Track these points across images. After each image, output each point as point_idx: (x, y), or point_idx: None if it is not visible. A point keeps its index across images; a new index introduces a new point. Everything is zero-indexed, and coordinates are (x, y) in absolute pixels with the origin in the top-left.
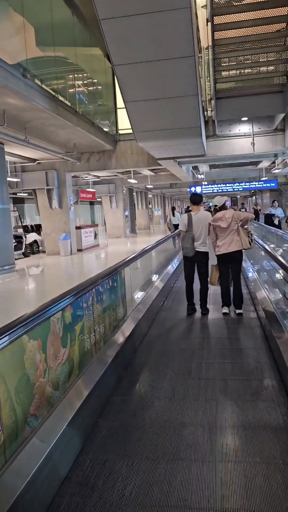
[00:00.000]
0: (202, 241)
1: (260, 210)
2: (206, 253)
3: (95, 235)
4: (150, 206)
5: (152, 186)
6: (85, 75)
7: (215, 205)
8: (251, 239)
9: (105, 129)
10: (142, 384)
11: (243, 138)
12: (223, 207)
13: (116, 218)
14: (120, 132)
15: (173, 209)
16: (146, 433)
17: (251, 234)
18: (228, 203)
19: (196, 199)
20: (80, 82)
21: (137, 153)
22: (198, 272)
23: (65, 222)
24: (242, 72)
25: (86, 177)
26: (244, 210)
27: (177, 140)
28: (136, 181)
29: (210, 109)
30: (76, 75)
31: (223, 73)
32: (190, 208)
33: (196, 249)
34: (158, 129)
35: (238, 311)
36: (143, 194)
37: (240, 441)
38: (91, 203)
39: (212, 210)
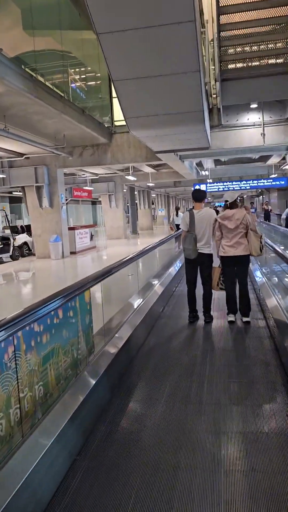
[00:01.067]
0: (205, 242)
1: (271, 210)
2: (210, 255)
3: (91, 236)
4: (154, 206)
5: (153, 184)
6: (72, 56)
7: (226, 200)
8: (262, 245)
9: (99, 120)
10: (133, 411)
11: (252, 128)
12: (234, 204)
13: (116, 218)
14: (116, 123)
15: (177, 209)
16: (133, 478)
17: (263, 239)
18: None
19: (199, 195)
20: (67, 65)
21: (135, 146)
22: (201, 276)
23: (56, 222)
24: (251, 47)
25: (83, 174)
26: (253, 210)
27: (177, 128)
28: (135, 178)
29: (215, 94)
30: (62, 55)
31: (229, 50)
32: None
33: (199, 251)
34: (152, 114)
35: (245, 319)
36: (146, 193)
37: (249, 489)
38: (93, 203)
39: (218, 208)
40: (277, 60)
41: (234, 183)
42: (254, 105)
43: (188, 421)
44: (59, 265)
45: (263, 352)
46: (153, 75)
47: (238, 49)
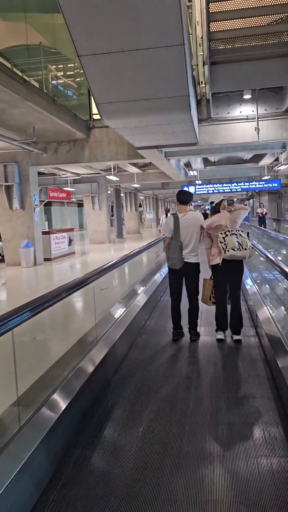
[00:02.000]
0: (191, 249)
1: (266, 214)
2: (197, 265)
3: (70, 241)
4: (141, 208)
5: (139, 186)
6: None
7: (212, 202)
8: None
9: (76, 112)
10: (94, 469)
11: (245, 122)
12: (219, 205)
13: (99, 222)
14: (95, 117)
15: (167, 211)
16: None
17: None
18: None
19: (184, 197)
20: (30, 44)
21: (116, 142)
22: (187, 288)
23: (28, 226)
24: (245, 23)
25: (64, 174)
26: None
27: (159, 117)
28: (117, 178)
29: (203, 83)
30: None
31: (219, 27)
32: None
33: (184, 260)
34: (129, 99)
35: (236, 337)
36: (132, 195)
37: None
38: (79, 205)
39: (208, 211)
40: (274, 40)
41: (224, 185)
42: (247, 96)
43: (164, 484)
44: (29, 274)
45: (257, 382)
46: (128, 49)
47: (230, 26)
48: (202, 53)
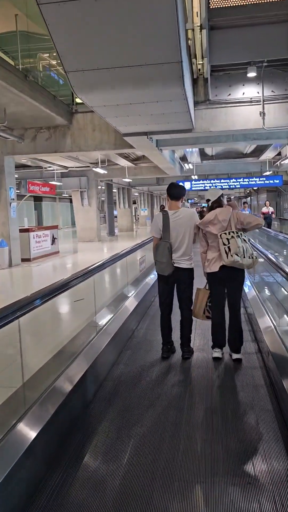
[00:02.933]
0: (183, 253)
1: (272, 213)
2: (191, 270)
3: (53, 240)
4: (135, 205)
5: (131, 181)
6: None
7: (207, 199)
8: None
9: (57, 95)
10: None
11: (249, 105)
12: (218, 203)
13: (88, 218)
14: (78, 100)
15: (161, 207)
16: None
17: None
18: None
19: (175, 191)
20: None
21: (101, 129)
22: (178, 298)
23: (3, 223)
24: None
25: (50, 167)
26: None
27: (144, 91)
28: (105, 171)
29: (201, 56)
30: None
31: None
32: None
33: (175, 265)
34: (106, 67)
35: (235, 356)
36: (126, 191)
37: None
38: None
39: (205, 208)
40: None
41: (222, 181)
42: (252, 73)
43: None
44: (2, 276)
45: (262, 414)
46: None
47: None
48: (198, 14)
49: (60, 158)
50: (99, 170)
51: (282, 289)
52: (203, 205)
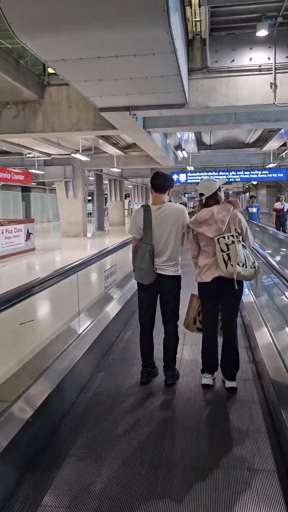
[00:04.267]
0: (169, 257)
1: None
2: (177, 278)
3: (28, 235)
4: (129, 198)
5: (119, 170)
6: None
7: (201, 194)
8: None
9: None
10: None
11: (257, 74)
12: (214, 199)
13: (73, 211)
14: (51, 70)
15: None
16: None
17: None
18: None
19: (159, 182)
20: None
21: (78, 106)
22: (162, 311)
23: None
24: None
25: (29, 153)
26: (255, 208)
27: (112, 33)
28: (87, 158)
29: (198, 7)
30: None
31: None
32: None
33: (158, 271)
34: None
35: (229, 384)
36: (118, 183)
37: None
38: None
39: (196, 205)
40: None
41: (221, 173)
42: (262, 32)
43: None
44: None
45: (263, 481)
46: None
47: None
48: None
49: (39, 142)
50: (79, 157)
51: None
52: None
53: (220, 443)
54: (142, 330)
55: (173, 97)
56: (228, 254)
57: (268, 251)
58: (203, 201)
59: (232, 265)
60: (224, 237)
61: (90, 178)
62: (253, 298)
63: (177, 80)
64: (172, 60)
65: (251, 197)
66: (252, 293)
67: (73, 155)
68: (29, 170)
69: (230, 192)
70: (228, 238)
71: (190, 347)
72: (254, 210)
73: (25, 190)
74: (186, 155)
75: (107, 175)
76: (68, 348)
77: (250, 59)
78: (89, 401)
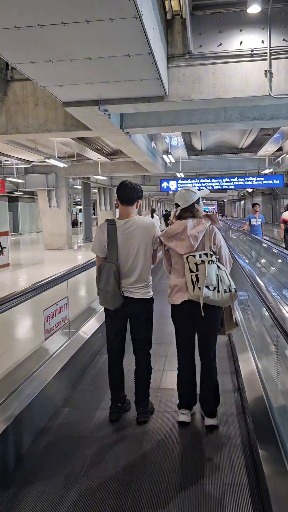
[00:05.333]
0: (137, 278)
1: None
2: (148, 302)
3: (1, 249)
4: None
5: (105, 178)
6: None
7: (176, 204)
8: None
9: None
10: None
11: (249, 61)
12: (189, 211)
13: (57, 222)
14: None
15: (152, 211)
16: None
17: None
18: (214, 208)
19: (126, 193)
20: None
21: (46, 104)
22: (132, 339)
23: None
24: None
25: (7, 160)
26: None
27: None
28: (64, 164)
29: None
30: None
31: None
32: (168, 212)
33: (125, 294)
34: None
35: (209, 421)
36: (107, 191)
37: None
38: None
39: (165, 217)
40: None
41: (213, 180)
42: (254, 8)
43: None
44: None
45: None
46: None
47: None
48: None
49: (15, 149)
50: (55, 162)
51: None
52: (205, 208)
53: (191, 499)
54: (110, 362)
55: (149, 87)
56: (196, 276)
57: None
58: (177, 212)
59: (199, 287)
60: (194, 256)
61: (76, 186)
62: (239, 316)
63: (149, 61)
64: (138, 31)
65: (253, 205)
66: (238, 310)
67: (47, 160)
68: (8, 179)
69: (225, 200)
70: (200, 257)
71: (170, 373)
72: (259, 221)
73: (13, 200)
74: (173, 160)
75: (96, 184)
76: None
77: (241, 42)
78: (51, 440)
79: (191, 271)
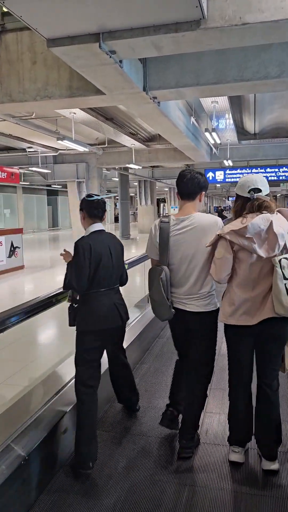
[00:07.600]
0: (192, 287)
1: None
2: (209, 315)
3: (13, 250)
4: (165, 203)
5: (139, 167)
6: None
7: (251, 189)
8: None
9: None
10: None
11: None
12: (265, 205)
13: None
14: (5, 8)
15: (220, 211)
16: None
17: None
18: None
19: (186, 185)
20: None
21: (46, 62)
22: (188, 358)
23: None
24: None
25: (30, 147)
26: None
27: None
28: (84, 148)
29: None
30: None
31: None
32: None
33: (175, 306)
34: None
35: (267, 466)
36: (148, 185)
37: None
38: (50, 192)
39: (237, 208)
40: None
41: (267, 170)
42: None
43: None
44: None
45: None
46: None
47: None
48: None
49: (35, 133)
50: (68, 144)
51: None
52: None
53: None
54: (178, 363)
55: (177, 4)
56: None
57: None
58: (255, 203)
59: None
60: (286, 258)
61: (114, 179)
62: None
63: None
64: None
65: None
66: None
67: (59, 141)
68: (32, 169)
69: (278, 195)
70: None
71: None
72: None
73: (52, 193)
74: (219, 141)
75: (136, 176)
76: None
77: None
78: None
79: (285, 278)
